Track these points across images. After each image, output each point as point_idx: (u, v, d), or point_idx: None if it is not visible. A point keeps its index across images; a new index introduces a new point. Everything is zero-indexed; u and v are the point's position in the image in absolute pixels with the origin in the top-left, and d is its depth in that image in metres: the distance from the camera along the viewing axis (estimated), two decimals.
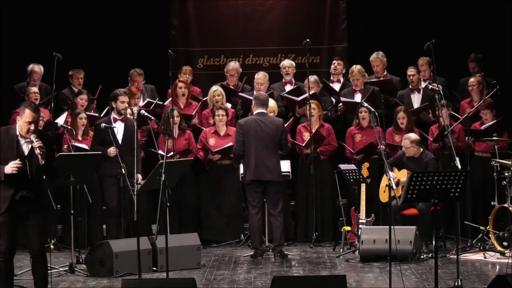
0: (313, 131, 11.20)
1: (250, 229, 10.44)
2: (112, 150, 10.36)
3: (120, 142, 10.53)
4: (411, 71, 11.87)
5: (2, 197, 7.57)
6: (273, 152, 10.22)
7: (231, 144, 11.12)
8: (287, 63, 12.19)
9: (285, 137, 10.41)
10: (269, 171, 10.17)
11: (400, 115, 11.29)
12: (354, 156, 11.34)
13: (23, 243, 7.93)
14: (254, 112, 10.45)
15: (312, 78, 11.67)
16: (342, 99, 11.77)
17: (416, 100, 11.84)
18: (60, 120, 11.31)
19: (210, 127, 11.56)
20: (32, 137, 7.54)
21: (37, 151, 7.48)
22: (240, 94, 11.72)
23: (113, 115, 10.63)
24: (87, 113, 11.25)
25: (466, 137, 10.74)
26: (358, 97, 11.70)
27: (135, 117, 9.42)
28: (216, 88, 11.71)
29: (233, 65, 12.22)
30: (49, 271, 9.38)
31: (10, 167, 7.52)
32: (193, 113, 11.63)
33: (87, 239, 10.76)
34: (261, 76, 11.90)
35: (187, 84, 11.81)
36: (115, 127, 10.51)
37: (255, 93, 11.82)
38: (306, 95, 11.50)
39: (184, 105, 11.72)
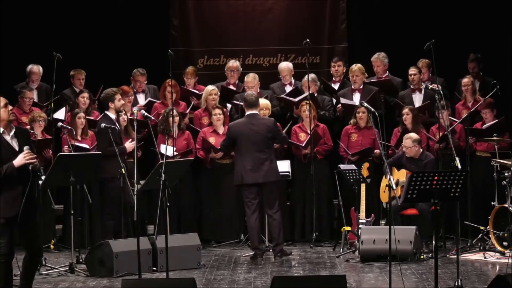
0: (309, 131, 11.21)
1: (248, 230, 10.43)
2: (131, 144, 10.37)
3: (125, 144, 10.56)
4: (412, 70, 11.86)
5: (11, 198, 7.47)
6: (267, 154, 10.21)
7: None
8: (284, 69, 12.10)
9: (279, 134, 10.45)
10: (264, 174, 10.17)
11: (405, 111, 11.27)
12: (349, 157, 11.34)
13: (20, 243, 7.92)
14: (246, 114, 10.43)
15: (310, 77, 11.65)
16: (342, 100, 11.75)
17: (418, 100, 11.84)
18: (60, 115, 11.31)
19: (208, 126, 11.56)
20: (25, 148, 7.50)
21: (32, 161, 7.47)
22: (234, 102, 11.69)
23: (112, 115, 10.60)
24: (87, 117, 11.25)
25: (468, 137, 10.75)
26: (357, 97, 11.69)
27: (136, 117, 9.43)
28: (213, 88, 11.70)
29: (234, 62, 12.24)
30: (49, 271, 9.48)
31: (23, 157, 7.42)
32: (187, 111, 11.62)
33: (87, 239, 10.76)
34: (250, 79, 11.87)
35: (176, 89, 11.70)
36: (115, 127, 10.51)
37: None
38: (305, 95, 11.50)
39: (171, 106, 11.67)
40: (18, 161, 7.42)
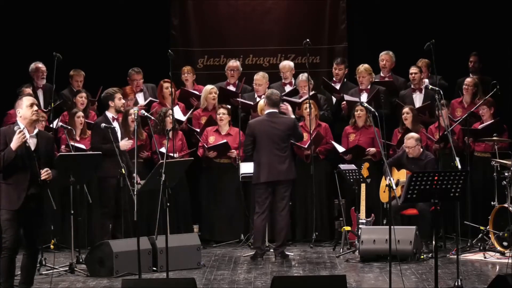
0: (310, 131, 11.21)
1: (254, 228, 10.40)
2: (125, 142, 10.34)
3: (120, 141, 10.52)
4: (413, 69, 11.86)
5: (15, 192, 7.66)
6: (286, 153, 10.22)
7: (224, 141, 11.13)
8: (285, 66, 12.14)
9: (297, 131, 10.36)
10: (282, 172, 10.15)
11: (405, 111, 11.28)
12: (342, 156, 11.35)
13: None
14: (265, 112, 10.39)
15: (303, 76, 11.64)
16: (346, 97, 11.75)
17: (418, 99, 11.84)
18: (55, 124, 11.32)
19: (212, 126, 11.54)
20: (15, 128, 7.65)
21: (25, 139, 7.63)
22: (239, 100, 11.68)
23: (111, 114, 10.57)
24: (86, 121, 11.25)
25: (465, 137, 10.76)
26: (364, 97, 11.68)
27: (135, 117, 9.41)
28: (212, 87, 11.71)
29: (234, 62, 12.25)
30: (49, 271, 9.49)
31: (17, 137, 7.57)
32: (185, 119, 11.60)
33: (87, 239, 10.76)
34: (259, 77, 11.90)
35: (173, 84, 11.72)
36: (115, 127, 10.49)
37: (255, 93, 11.84)
38: (307, 95, 11.49)
39: (170, 105, 11.67)
40: (14, 143, 7.62)
